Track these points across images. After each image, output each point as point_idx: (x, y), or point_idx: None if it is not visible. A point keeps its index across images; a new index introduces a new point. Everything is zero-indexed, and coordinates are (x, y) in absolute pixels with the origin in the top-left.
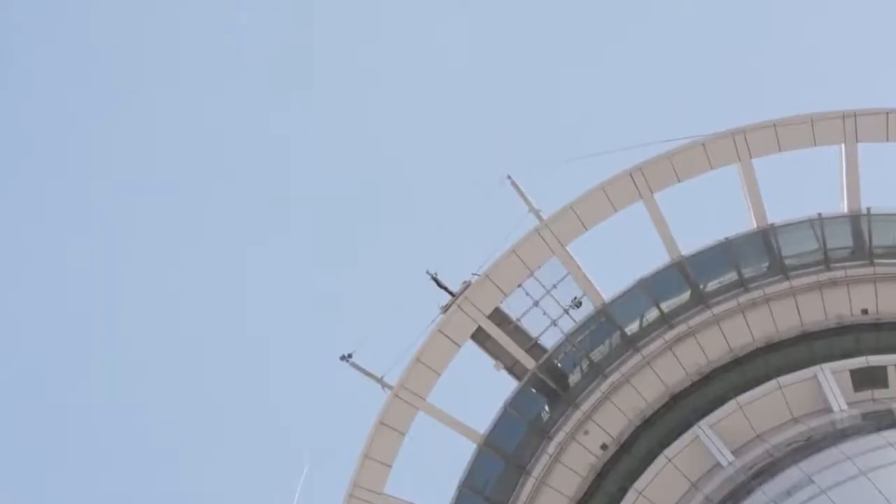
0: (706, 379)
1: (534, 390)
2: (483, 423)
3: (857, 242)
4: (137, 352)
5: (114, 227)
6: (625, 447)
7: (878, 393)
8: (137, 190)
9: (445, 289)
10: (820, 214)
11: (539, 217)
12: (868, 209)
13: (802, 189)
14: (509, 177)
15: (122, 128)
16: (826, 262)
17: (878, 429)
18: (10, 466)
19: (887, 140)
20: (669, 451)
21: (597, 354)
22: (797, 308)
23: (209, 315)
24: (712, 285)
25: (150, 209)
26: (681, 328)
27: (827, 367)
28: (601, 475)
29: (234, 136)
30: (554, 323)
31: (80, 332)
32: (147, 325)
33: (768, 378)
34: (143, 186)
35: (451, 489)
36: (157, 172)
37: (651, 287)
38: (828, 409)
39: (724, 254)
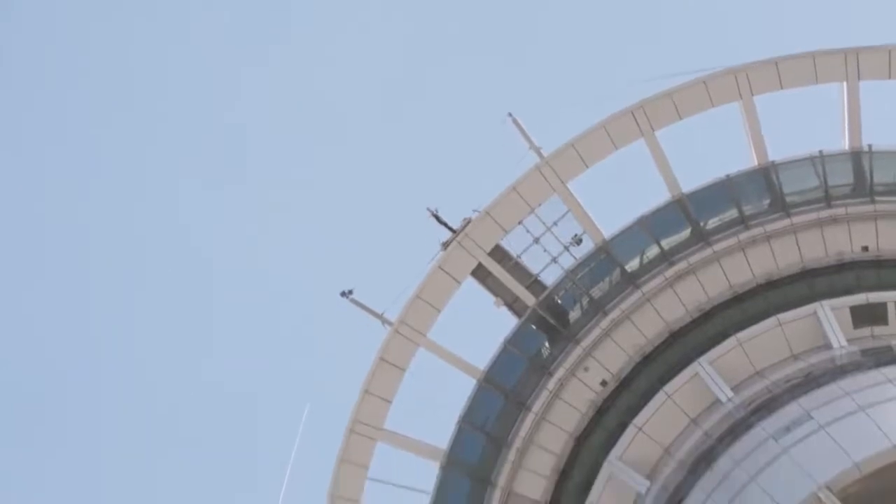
0: (706, 316)
1: (534, 327)
2: (483, 359)
3: (858, 180)
4: (138, 277)
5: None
6: (625, 383)
7: (878, 330)
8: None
9: (446, 225)
10: (821, 152)
11: (540, 154)
12: (869, 146)
13: (804, 127)
14: (510, 114)
15: None
16: (827, 199)
17: (878, 365)
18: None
19: (889, 77)
20: (669, 388)
21: (597, 291)
22: (797, 245)
23: (211, 249)
24: (713, 223)
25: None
26: (681, 265)
27: (827, 303)
28: (601, 411)
29: (230, 58)
30: (554, 260)
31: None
32: (151, 255)
33: (768, 315)
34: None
35: (451, 425)
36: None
37: (651, 224)
38: (827, 346)
39: (725, 191)
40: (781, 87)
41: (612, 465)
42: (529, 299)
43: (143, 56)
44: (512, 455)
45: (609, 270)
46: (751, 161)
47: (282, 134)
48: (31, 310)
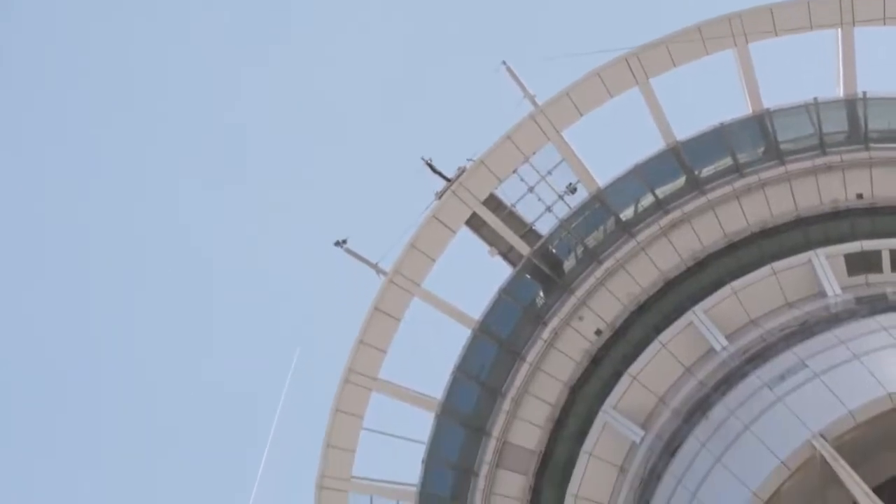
0: (701, 264)
1: (528, 276)
2: (478, 309)
3: (853, 127)
4: (138, 276)
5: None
6: (619, 332)
7: (872, 277)
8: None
9: (440, 174)
10: (815, 99)
11: (534, 103)
12: (864, 93)
13: (798, 74)
14: (504, 62)
15: None
16: (821, 146)
17: (873, 313)
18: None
19: (884, 23)
20: (664, 337)
21: (591, 240)
22: (792, 193)
23: (202, 200)
24: (707, 171)
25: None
26: (675, 214)
27: (821, 251)
28: (596, 360)
29: (230, 58)
30: (549, 209)
31: None
32: (150, 254)
33: (763, 263)
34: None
35: (445, 375)
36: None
37: (646, 173)
38: (822, 294)
39: (719, 139)
40: (776, 34)
41: (607, 414)
42: (524, 248)
43: (142, 56)
44: (507, 405)
45: (603, 219)
46: (745, 109)
47: (282, 134)
48: (30, 309)
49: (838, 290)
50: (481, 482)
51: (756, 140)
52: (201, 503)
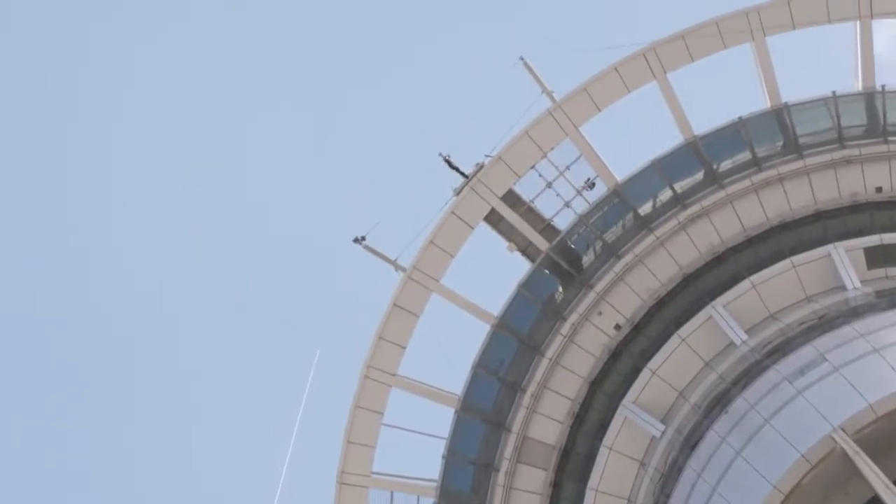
0: (720, 259)
1: (547, 271)
2: (497, 305)
3: (872, 120)
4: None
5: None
6: (638, 327)
7: (892, 271)
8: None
9: (458, 171)
10: (834, 92)
11: (552, 98)
12: (883, 87)
13: (816, 68)
14: (522, 58)
15: None
16: (840, 140)
17: (892, 306)
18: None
19: None
20: (683, 331)
21: (610, 235)
22: (811, 187)
23: (218, 195)
24: (726, 165)
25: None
26: (694, 208)
27: (841, 245)
28: (615, 355)
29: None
30: (567, 204)
31: None
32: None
33: (782, 257)
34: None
35: (465, 371)
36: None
37: (664, 167)
38: (841, 288)
39: (738, 133)
40: (794, 27)
41: (627, 409)
42: (542, 244)
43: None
44: (526, 400)
45: (622, 214)
46: (764, 103)
47: (300, 129)
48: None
49: (858, 284)
50: (501, 477)
51: (774, 134)
52: (228, 502)
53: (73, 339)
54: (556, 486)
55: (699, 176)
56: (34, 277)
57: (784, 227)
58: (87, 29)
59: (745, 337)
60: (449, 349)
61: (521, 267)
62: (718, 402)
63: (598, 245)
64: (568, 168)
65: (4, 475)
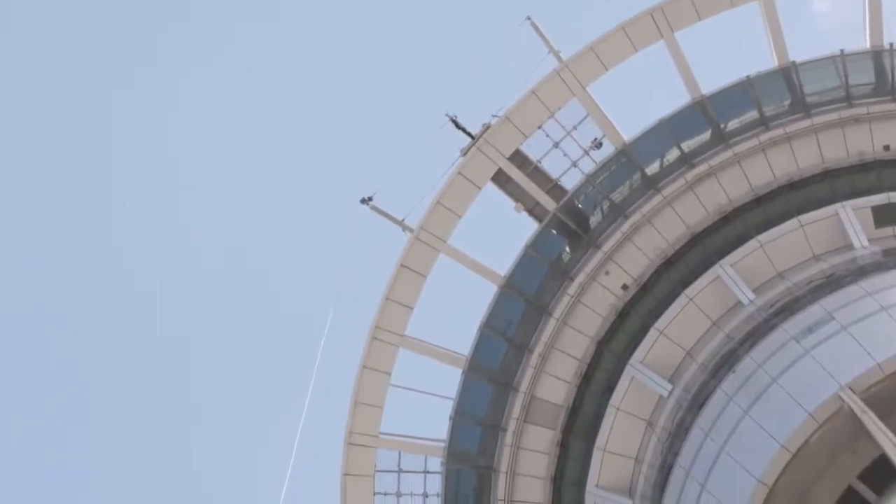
0: (727, 218)
1: (554, 231)
2: (504, 265)
3: (880, 79)
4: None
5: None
6: (646, 287)
7: None
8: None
9: (465, 131)
10: (842, 51)
11: (559, 58)
12: (891, 45)
13: (824, 27)
14: (529, 18)
15: None
16: (848, 98)
17: None
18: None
19: None
20: (690, 291)
21: (617, 195)
22: (818, 146)
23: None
24: (733, 124)
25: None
26: (702, 168)
27: (848, 204)
28: (622, 315)
29: None
30: (574, 164)
31: None
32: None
33: (789, 216)
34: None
35: (472, 331)
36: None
37: (672, 127)
38: (849, 247)
39: (746, 92)
40: None
41: (634, 368)
42: (550, 204)
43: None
44: (534, 360)
45: (629, 174)
46: (771, 62)
47: (307, 91)
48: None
49: (865, 243)
50: (509, 437)
51: (782, 93)
52: (245, 461)
53: (73, 339)
54: (564, 445)
55: (706, 135)
56: (34, 277)
57: (792, 186)
58: (87, 29)
59: (752, 296)
60: (456, 310)
61: (528, 227)
62: (726, 362)
63: (606, 205)
64: (575, 128)
65: (4, 475)
